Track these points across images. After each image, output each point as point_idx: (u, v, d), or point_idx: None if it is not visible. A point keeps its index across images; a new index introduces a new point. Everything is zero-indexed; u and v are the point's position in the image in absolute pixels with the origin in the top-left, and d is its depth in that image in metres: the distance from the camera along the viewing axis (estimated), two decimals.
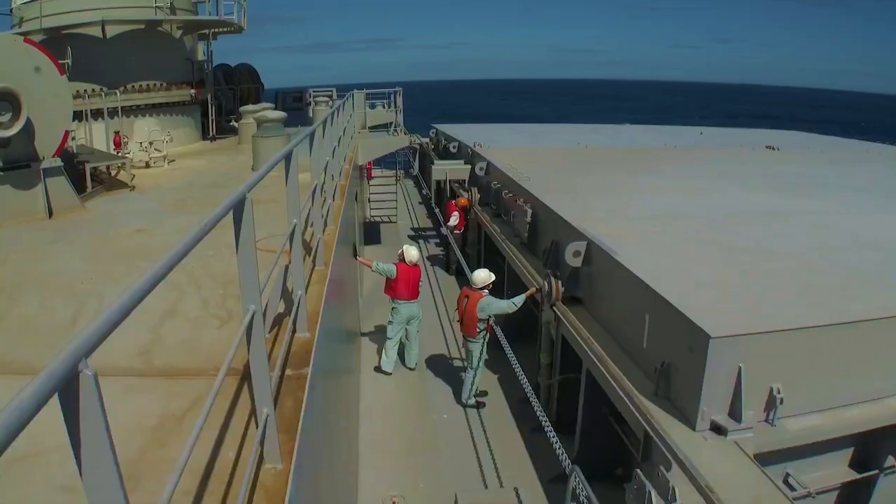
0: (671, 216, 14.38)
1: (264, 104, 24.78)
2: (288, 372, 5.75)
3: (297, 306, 6.35)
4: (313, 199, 8.61)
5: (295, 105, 32.78)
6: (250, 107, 24.07)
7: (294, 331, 6.41)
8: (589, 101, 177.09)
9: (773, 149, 27.17)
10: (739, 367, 8.18)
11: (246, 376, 5.44)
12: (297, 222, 6.77)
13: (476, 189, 22.09)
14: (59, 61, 14.28)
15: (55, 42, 19.49)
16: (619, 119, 49.34)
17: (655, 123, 46.82)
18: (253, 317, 4.13)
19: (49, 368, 1.73)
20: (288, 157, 6.63)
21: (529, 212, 16.24)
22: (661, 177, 19.37)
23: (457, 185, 24.94)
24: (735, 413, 8.27)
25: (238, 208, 3.96)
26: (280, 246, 6.42)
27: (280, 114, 18.87)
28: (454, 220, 21.98)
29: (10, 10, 23.30)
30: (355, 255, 15.57)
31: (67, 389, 1.87)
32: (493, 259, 19.54)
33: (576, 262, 12.33)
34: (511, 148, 24.88)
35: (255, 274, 4.17)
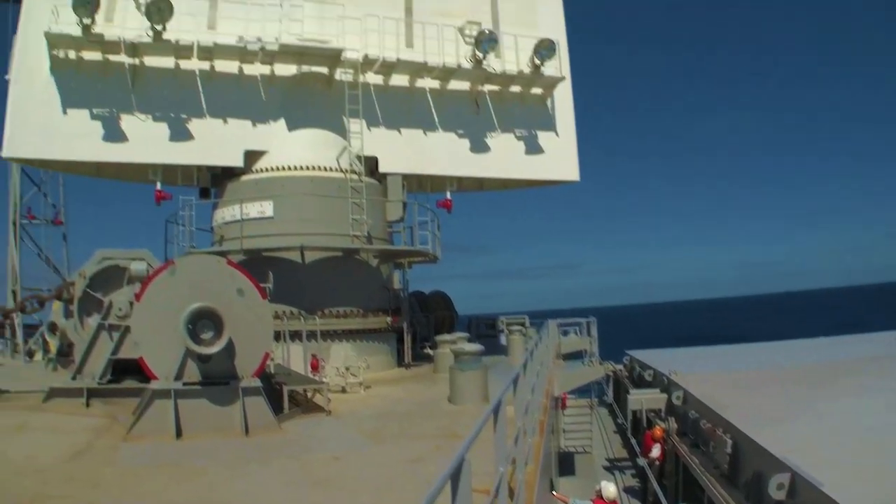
0: (877, 435, 13.68)
1: (459, 333, 25.08)
2: None
3: None
4: (517, 441, 8.63)
5: (488, 332, 33.17)
6: (446, 336, 24.28)
7: None
8: (778, 316, 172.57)
9: None
10: None
11: None
12: (503, 471, 6.81)
13: (673, 418, 21.65)
14: (261, 285, 15.00)
15: (255, 263, 20.65)
16: (812, 332, 47.93)
17: (849, 332, 45.30)
18: None
19: None
20: (496, 410, 6.69)
21: (730, 442, 15.82)
22: (864, 391, 18.65)
23: (653, 413, 24.45)
24: None
25: (456, 473, 4.00)
26: (491, 490, 6.40)
27: (477, 347, 18.88)
28: (656, 451, 21.47)
29: (212, 228, 24.97)
30: (552, 489, 15.27)
31: None
32: (691, 491, 18.97)
33: (780, 495, 11.91)
34: (708, 373, 24.48)
35: None
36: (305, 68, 24.35)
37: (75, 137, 22.19)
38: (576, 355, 28.56)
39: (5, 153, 21.80)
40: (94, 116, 22.40)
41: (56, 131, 22.00)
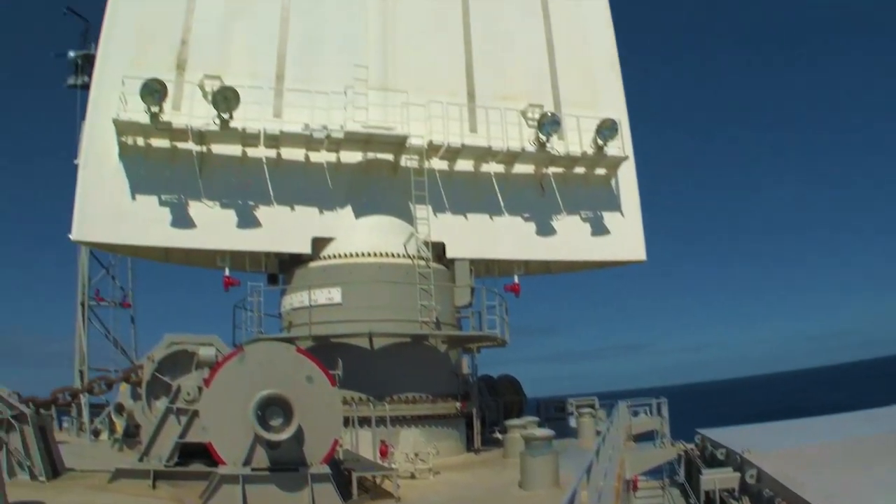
0: None
1: (528, 417, 24.72)
2: None
3: None
4: None
5: (557, 415, 32.82)
6: (515, 421, 23.80)
7: None
8: (852, 386, 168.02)
9: None
10: None
11: None
12: None
13: (748, 498, 21.23)
14: (330, 372, 14.92)
15: (323, 350, 20.57)
16: (889, 401, 46.59)
17: None
18: None
19: None
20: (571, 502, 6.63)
21: None
22: None
23: (726, 493, 23.93)
24: None
25: None
26: None
27: (548, 432, 18.52)
28: None
29: (280, 314, 25.10)
30: None
31: None
32: None
33: None
34: (782, 449, 23.94)
35: None
36: (371, 155, 24.67)
37: (144, 223, 22.62)
38: (647, 436, 28.13)
39: (74, 236, 22.15)
40: (162, 202, 22.81)
41: (125, 216, 22.44)
